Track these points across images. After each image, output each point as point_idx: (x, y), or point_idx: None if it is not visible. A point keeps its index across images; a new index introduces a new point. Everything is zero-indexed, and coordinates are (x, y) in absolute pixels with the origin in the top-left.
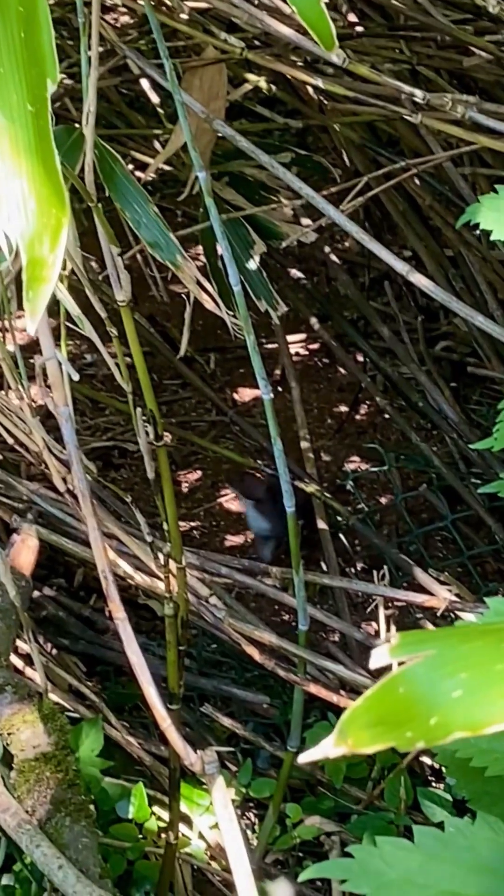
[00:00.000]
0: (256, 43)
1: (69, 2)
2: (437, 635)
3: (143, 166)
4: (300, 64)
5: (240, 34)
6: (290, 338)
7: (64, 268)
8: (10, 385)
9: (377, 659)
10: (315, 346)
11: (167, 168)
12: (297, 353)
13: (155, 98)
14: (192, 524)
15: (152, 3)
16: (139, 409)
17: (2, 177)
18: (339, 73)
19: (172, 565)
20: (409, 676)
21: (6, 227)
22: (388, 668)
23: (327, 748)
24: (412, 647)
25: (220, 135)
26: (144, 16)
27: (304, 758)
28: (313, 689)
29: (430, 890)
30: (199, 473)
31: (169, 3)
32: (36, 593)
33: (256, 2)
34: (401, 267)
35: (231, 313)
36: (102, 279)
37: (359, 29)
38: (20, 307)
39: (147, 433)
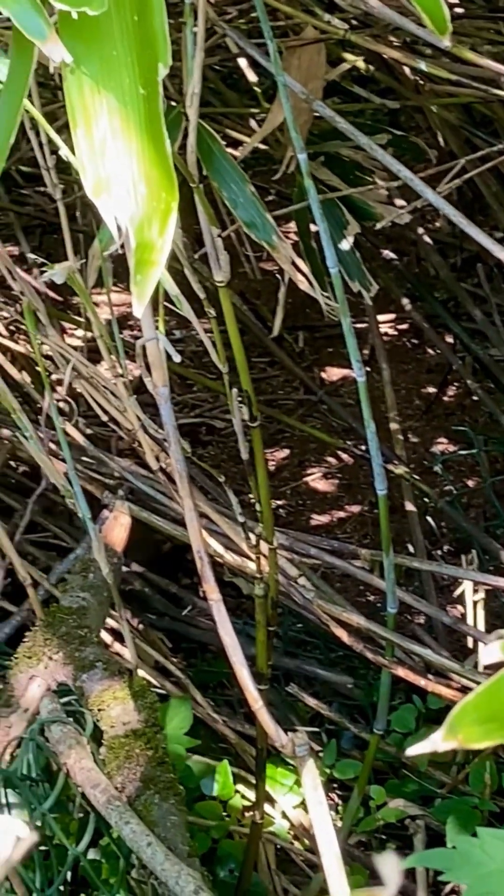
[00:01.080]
0: (354, 23)
1: None
2: None
3: (236, 144)
4: (398, 45)
5: (338, 14)
6: (379, 317)
7: None
8: (102, 359)
9: (488, 655)
10: (404, 326)
11: (261, 146)
12: (385, 333)
13: (252, 76)
14: (279, 503)
15: None
16: (234, 389)
17: (113, 160)
18: (437, 54)
19: (264, 546)
20: None
21: (116, 210)
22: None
23: (436, 742)
24: None
25: (315, 114)
26: None
27: (413, 751)
28: (401, 672)
29: None
30: (286, 452)
31: None
32: (123, 569)
33: None
34: (499, 252)
35: (325, 293)
36: (198, 258)
37: (458, 10)
38: (116, 282)
39: (241, 413)
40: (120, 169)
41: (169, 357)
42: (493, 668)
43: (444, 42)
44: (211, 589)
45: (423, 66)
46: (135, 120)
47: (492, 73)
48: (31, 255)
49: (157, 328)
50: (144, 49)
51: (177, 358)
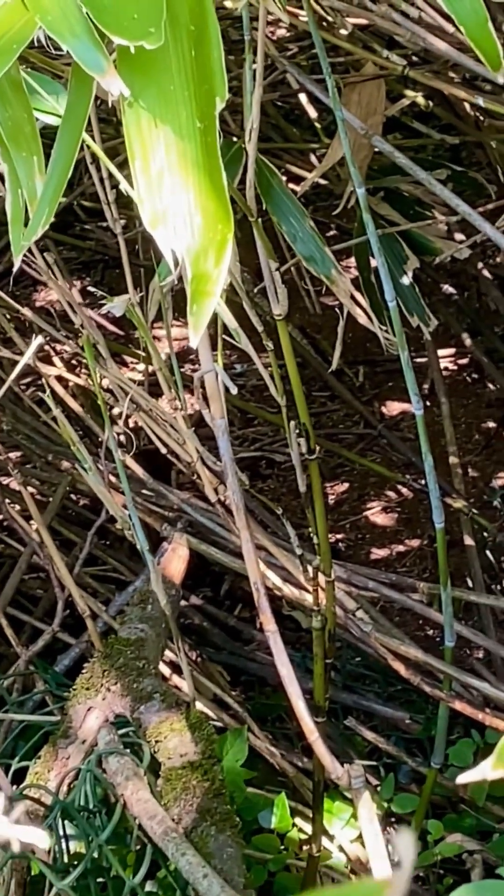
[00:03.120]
0: (415, 59)
1: (229, 16)
2: None
3: (297, 179)
4: (458, 81)
5: (399, 50)
6: (439, 352)
7: None
8: (163, 393)
9: None
10: (464, 360)
11: (322, 181)
12: (446, 368)
13: (312, 112)
14: (338, 536)
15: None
16: (292, 423)
17: (170, 192)
18: (497, 89)
19: (321, 578)
20: None
21: (173, 241)
22: None
23: (486, 770)
24: None
25: (375, 150)
26: (303, 30)
27: (462, 779)
28: (458, 705)
29: None
30: (345, 486)
31: (330, 19)
32: (182, 602)
33: (417, 16)
34: None
35: (383, 328)
36: (257, 291)
37: None
38: (178, 316)
39: (299, 446)
40: (176, 201)
41: (227, 389)
42: None
43: (500, 78)
44: (267, 620)
45: (480, 101)
46: (191, 152)
47: None
48: (91, 289)
49: (214, 361)
50: (201, 83)
51: (234, 390)
